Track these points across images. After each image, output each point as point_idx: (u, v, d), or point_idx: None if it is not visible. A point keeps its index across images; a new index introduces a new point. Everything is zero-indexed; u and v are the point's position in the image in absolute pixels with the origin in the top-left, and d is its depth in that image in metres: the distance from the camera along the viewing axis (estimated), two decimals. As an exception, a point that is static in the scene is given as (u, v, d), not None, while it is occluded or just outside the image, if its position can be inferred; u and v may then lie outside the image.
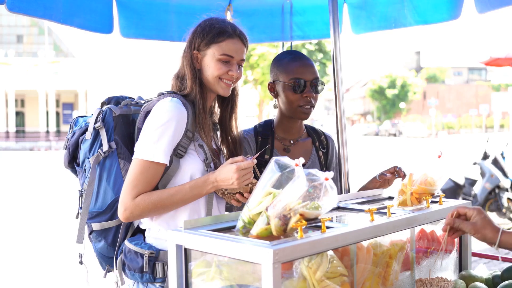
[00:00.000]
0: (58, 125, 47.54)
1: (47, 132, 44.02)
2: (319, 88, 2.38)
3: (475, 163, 8.77)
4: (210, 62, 2.08)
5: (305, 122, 2.53)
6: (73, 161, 2.25)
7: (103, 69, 42.68)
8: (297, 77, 2.34)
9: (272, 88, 2.45)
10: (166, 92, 2.10)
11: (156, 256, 2.00)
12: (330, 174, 1.45)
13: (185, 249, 1.55)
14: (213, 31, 2.07)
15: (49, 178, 16.53)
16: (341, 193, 2.55)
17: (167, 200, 1.95)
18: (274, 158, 1.54)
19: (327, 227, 1.51)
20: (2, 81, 42.17)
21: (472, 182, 8.68)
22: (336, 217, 1.84)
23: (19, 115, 47.42)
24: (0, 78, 41.98)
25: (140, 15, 3.29)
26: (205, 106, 2.10)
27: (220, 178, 1.93)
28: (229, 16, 3.56)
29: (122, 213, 1.95)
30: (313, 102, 2.38)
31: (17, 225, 9.39)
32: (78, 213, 2.17)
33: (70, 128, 2.29)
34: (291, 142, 2.46)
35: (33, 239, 8.17)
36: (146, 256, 1.98)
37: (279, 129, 2.47)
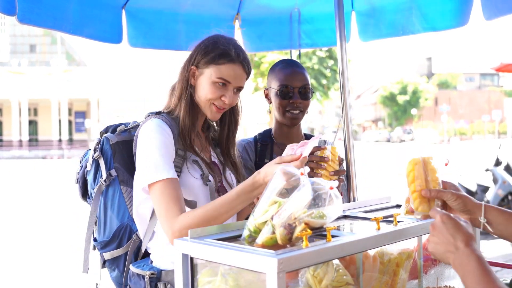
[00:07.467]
0: (70, 133, 47.94)
1: (60, 140, 44.39)
2: (308, 95, 2.46)
3: (487, 170, 8.69)
4: (205, 82, 1.99)
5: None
6: (86, 194, 2.27)
7: (115, 77, 43.04)
8: (285, 84, 2.43)
9: (266, 94, 2.57)
10: (150, 114, 2.05)
11: (158, 277, 1.98)
12: (335, 183, 1.45)
13: (191, 258, 1.56)
14: (215, 51, 1.98)
15: (61, 186, 16.63)
16: (349, 201, 2.55)
17: (215, 212, 1.80)
18: (279, 167, 1.55)
19: (333, 236, 1.51)
20: (15, 90, 42.65)
21: (485, 189, 8.60)
22: (343, 225, 1.84)
23: (32, 123, 47.89)
24: (14, 87, 42.46)
25: (149, 25, 3.30)
26: (189, 124, 2.02)
27: (269, 179, 1.75)
28: (237, 25, 3.59)
29: (172, 239, 1.77)
30: (302, 108, 2.46)
31: (29, 233, 9.45)
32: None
33: (80, 162, 2.29)
34: None
35: (44, 248, 8.22)
36: (147, 278, 1.98)
37: (278, 135, 2.56)
